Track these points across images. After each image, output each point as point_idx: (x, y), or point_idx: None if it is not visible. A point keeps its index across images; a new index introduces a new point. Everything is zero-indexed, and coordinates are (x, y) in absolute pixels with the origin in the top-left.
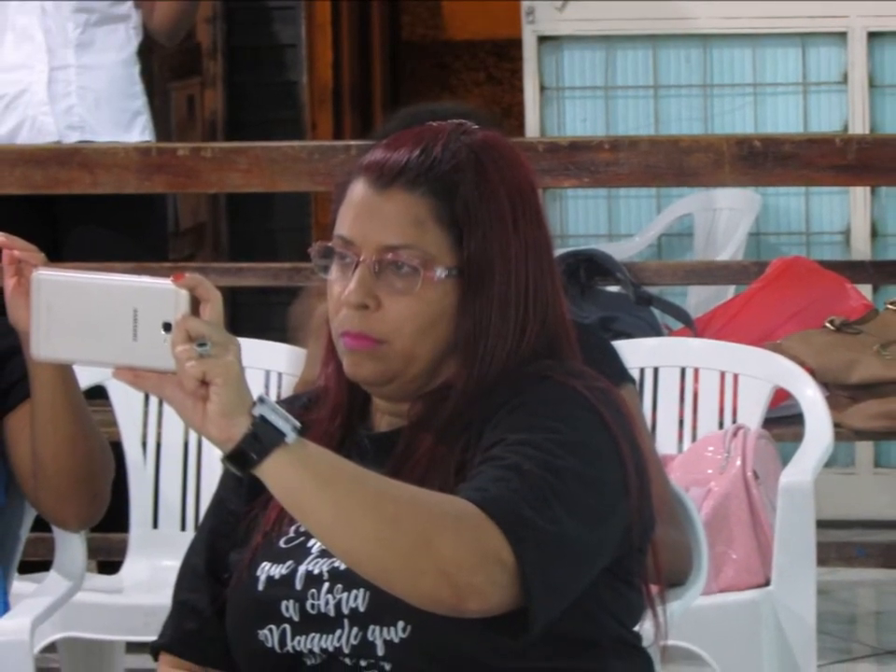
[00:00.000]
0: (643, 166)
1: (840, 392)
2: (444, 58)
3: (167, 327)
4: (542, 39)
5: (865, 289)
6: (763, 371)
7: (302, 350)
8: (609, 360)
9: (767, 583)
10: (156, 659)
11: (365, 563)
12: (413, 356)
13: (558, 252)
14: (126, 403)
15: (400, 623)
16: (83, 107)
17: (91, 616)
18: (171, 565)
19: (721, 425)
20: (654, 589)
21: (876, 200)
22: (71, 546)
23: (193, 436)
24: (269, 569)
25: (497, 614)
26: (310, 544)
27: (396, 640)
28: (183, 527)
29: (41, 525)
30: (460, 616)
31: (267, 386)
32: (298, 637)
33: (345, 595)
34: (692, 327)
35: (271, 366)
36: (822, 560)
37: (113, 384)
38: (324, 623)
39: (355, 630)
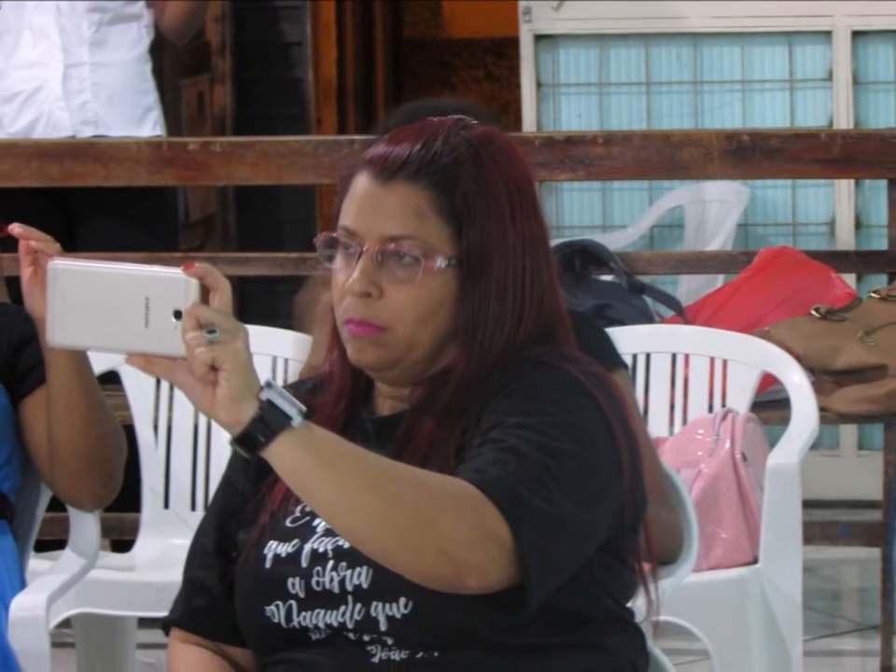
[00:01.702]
0: (636, 160)
1: (825, 377)
2: (444, 56)
3: (178, 314)
4: (539, 38)
5: (849, 278)
6: (751, 357)
7: (308, 337)
8: (602, 346)
9: (755, 561)
10: (167, 634)
11: (368, 541)
12: (414, 342)
13: (554, 243)
14: (138, 388)
15: (402, 600)
16: (97, 103)
17: (104, 593)
18: (181, 543)
19: (710, 408)
20: (647, 567)
21: (860, 192)
22: (85, 525)
23: (203, 419)
24: (276, 548)
25: (496, 591)
26: (315, 523)
27: (398, 616)
28: (193, 507)
29: (56, 505)
30: (460, 592)
31: (274, 372)
32: (303, 613)
33: (349, 572)
34: (682, 314)
35: (277, 352)
36: (808, 539)
37: (126, 369)
38: (329, 600)
39: (358, 606)
